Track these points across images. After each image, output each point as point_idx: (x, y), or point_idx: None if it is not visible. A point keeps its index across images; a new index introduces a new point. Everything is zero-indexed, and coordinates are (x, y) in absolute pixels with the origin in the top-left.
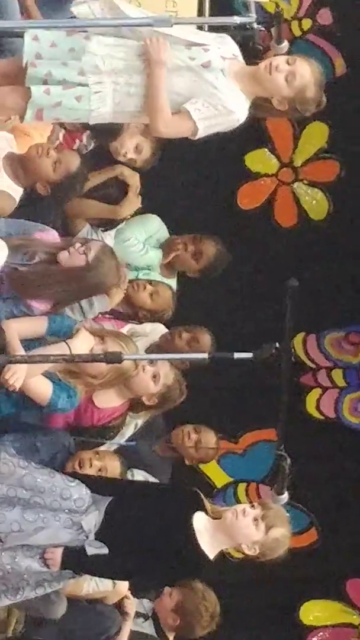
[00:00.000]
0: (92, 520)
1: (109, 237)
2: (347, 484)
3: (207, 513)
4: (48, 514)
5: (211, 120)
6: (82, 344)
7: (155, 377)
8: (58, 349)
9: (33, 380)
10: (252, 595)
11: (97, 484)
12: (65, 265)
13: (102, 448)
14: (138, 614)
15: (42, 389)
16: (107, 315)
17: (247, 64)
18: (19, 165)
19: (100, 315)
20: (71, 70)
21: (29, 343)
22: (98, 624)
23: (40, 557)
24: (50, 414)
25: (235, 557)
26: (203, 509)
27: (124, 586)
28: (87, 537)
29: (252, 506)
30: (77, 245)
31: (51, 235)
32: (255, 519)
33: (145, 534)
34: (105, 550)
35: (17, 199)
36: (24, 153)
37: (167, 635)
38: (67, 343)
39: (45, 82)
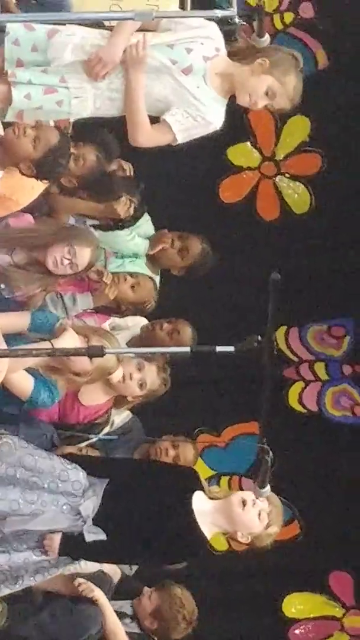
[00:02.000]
0: (90, 506)
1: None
2: (329, 477)
3: (204, 493)
4: (47, 497)
5: (190, 131)
6: (67, 344)
7: (142, 385)
8: (43, 347)
9: (15, 375)
10: (234, 587)
11: (93, 465)
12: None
13: (85, 443)
14: (125, 615)
15: (23, 383)
16: (89, 310)
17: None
18: (0, 148)
19: (83, 311)
20: (52, 77)
21: (11, 339)
22: (79, 624)
23: (37, 546)
24: (33, 413)
25: (218, 550)
26: (201, 488)
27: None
28: (84, 522)
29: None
30: (66, 250)
31: (25, 220)
32: (261, 512)
33: (143, 514)
34: (103, 536)
35: None
36: (1, 136)
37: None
38: (51, 343)
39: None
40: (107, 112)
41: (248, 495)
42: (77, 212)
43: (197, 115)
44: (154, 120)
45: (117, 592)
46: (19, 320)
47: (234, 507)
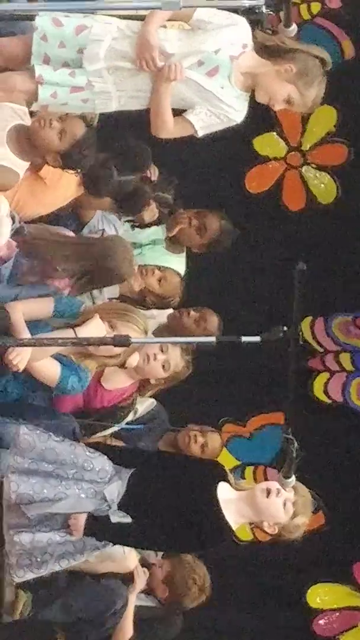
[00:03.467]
0: (115, 490)
1: (120, 224)
2: (354, 467)
3: (230, 485)
4: (70, 482)
5: (212, 127)
6: (91, 332)
7: (164, 365)
8: (66, 335)
9: (40, 363)
10: (259, 578)
11: (119, 455)
12: None
13: (109, 431)
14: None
15: (49, 370)
16: (115, 300)
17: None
18: (26, 139)
19: (107, 299)
20: (79, 79)
21: (36, 324)
22: (103, 599)
23: (62, 528)
24: (59, 400)
25: (242, 540)
26: (227, 480)
27: (131, 560)
28: (109, 507)
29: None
30: (95, 236)
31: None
32: (286, 502)
33: (168, 503)
34: (128, 520)
35: (21, 174)
36: (28, 127)
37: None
38: (74, 331)
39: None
40: (132, 107)
41: (273, 484)
42: (103, 208)
43: (220, 113)
44: (176, 113)
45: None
46: (43, 307)
47: (258, 496)
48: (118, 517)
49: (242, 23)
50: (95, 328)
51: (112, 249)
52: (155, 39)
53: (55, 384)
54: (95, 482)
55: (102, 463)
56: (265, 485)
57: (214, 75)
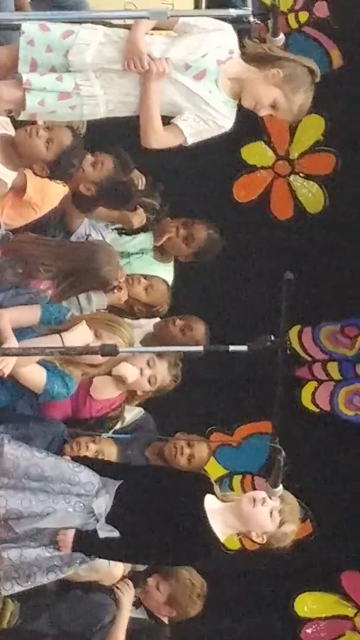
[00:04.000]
0: (103, 504)
1: (107, 232)
2: (342, 477)
3: (217, 496)
4: (59, 496)
5: (201, 134)
6: (77, 338)
7: (150, 380)
8: (52, 341)
9: (26, 369)
10: (247, 586)
11: (106, 468)
12: None
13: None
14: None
15: (35, 376)
16: (103, 311)
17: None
18: (12, 149)
19: (95, 309)
20: (66, 84)
21: (23, 330)
22: (91, 613)
23: (50, 543)
24: (47, 408)
25: (230, 549)
26: (213, 492)
27: (118, 569)
28: (97, 520)
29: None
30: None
31: None
32: (272, 510)
33: (155, 515)
34: (116, 533)
35: (9, 183)
36: (14, 136)
37: (162, 619)
38: (61, 336)
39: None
40: (120, 114)
41: (258, 494)
42: (90, 216)
43: (209, 119)
44: (165, 120)
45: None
46: (29, 314)
47: (245, 506)
48: (106, 532)
49: (229, 29)
50: (81, 334)
51: (95, 251)
52: (143, 44)
53: (40, 390)
54: (83, 495)
55: (88, 476)
56: (251, 495)
57: (201, 79)
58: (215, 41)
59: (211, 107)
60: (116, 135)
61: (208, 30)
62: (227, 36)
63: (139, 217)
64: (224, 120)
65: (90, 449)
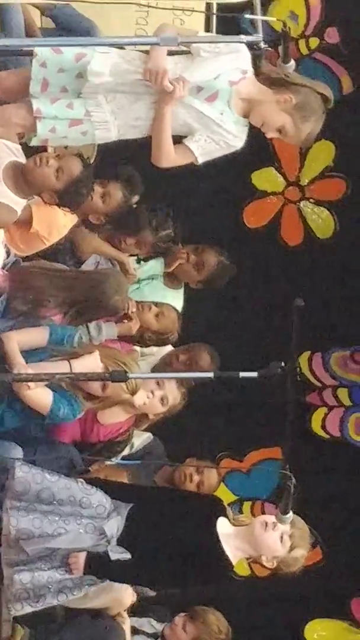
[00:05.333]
0: (114, 525)
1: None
2: (352, 503)
3: (229, 520)
4: (70, 518)
5: (212, 153)
6: (85, 366)
7: (163, 400)
8: (60, 366)
9: (33, 391)
10: (256, 613)
11: (118, 490)
12: None
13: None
14: (146, 634)
15: (42, 398)
16: (114, 340)
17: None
18: (22, 177)
19: (106, 340)
20: (77, 111)
21: (33, 351)
22: (101, 638)
23: (61, 565)
24: (56, 431)
25: (240, 575)
26: (225, 515)
27: (127, 597)
28: (109, 542)
29: None
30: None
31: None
32: (283, 535)
33: (167, 538)
34: (127, 556)
35: (19, 211)
36: (23, 165)
37: None
38: (70, 363)
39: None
40: (131, 137)
41: (270, 518)
42: (100, 253)
43: (220, 140)
44: (176, 139)
45: (136, 611)
46: (37, 336)
47: (256, 530)
48: (117, 554)
49: (243, 50)
50: (91, 363)
51: (104, 281)
52: (163, 62)
53: (47, 412)
54: (94, 517)
55: (99, 499)
56: (262, 519)
57: (213, 101)
58: (229, 62)
59: (223, 128)
60: (127, 156)
61: (221, 53)
62: (241, 57)
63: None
64: (235, 140)
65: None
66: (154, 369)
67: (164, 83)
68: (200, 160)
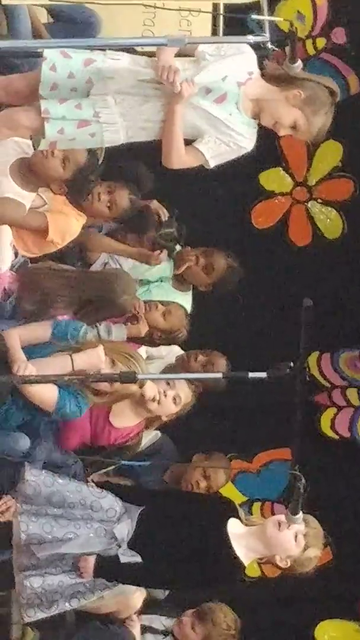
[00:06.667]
0: (125, 529)
1: (127, 263)
2: None
3: (241, 521)
4: (80, 522)
5: (222, 156)
6: (87, 360)
7: (175, 399)
8: (62, 361)
9: (37, 388)
10: (266, 615)
11: (128, 493)
12: None
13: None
14: (156, 631)
15: (47, 395)
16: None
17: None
18: (29, 171)
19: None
20: (85, 111)
21: (37, 346)
22: None
23: (72, 569)
24: (66, 433)
25: (250, 576)
26: (237, 516)
27: (137, 600)
28: (119, 546)
29: None
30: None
31: None
32: (297, 534)
33: (178, 540)
34: (138, 559)
35: (28, 205)
36: (30, 158)
37: None
38: (71, 357)
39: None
40: (140, 139)
41: (283, 517)
42: (111, 252)
43: (230, 141)
44: (187, 142)
45: (145, 608)
46: (40, 331)
47: (270, 530)
48: (128, 557)
49: (248, 51)
50: (91, 357)
51: (113, 281)
52: (173, 61)
53: (53, 408)
54: (105, 521)
55: (110, 502)
56: (276, 519)
57: (221, 102)
58: (234, 64)
59: (232, 129)
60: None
61: (227, 55)
62: (246, 58)
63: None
64: (245, 142)
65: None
66: (169, 369)
67: (176, 79)
68: (212, 163)
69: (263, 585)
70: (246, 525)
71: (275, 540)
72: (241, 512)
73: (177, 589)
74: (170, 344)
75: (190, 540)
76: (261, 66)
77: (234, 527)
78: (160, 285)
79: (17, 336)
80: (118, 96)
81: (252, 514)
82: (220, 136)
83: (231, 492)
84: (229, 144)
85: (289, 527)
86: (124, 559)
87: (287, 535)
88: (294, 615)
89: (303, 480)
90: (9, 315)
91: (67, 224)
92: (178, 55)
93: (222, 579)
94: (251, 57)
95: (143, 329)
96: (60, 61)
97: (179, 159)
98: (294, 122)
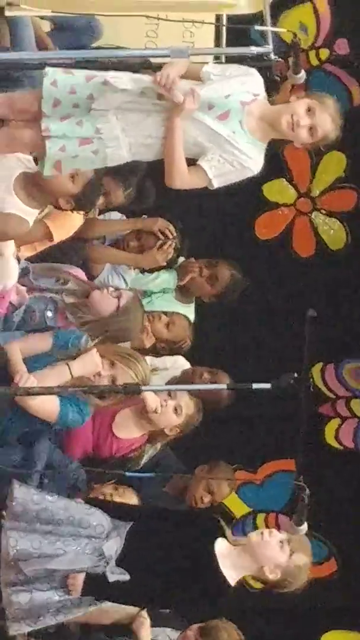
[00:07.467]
0: (113, 546)
1: (129, 275)
2: None
3: (228, 541)
4: (69, 539)
5: (226, 176)
6: (84, 367)
7: (176, 409)
8: (59, 371)
9: (38, 400)
10: (271, 625)
11: (117, 510)
12: (96, 304)
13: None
14: None
15: (48, 407)
16: None
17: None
18: (34, 186)
19: None
20: (86, 129)
21: (38, 357)
22: None
23: (60, 586)
24: (69, 442)
25: (255, 587)
26: (224, 536)
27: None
28: (107, 563)
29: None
30: (111, 289)
31: (79, 273)
32: (281, 542)
33: (165, 559)
34: (126, 577)
35: (31, 222)
36: (35, 173)
37: None
38: (69, 365)
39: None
40: (143, 157)
41: (264, 529)
42: (115, 262)
43: (233, 160)
44: (190, 162)
45: (152, 621)
46: (41, 342)
47: (253, 539)
48: (116, 575)
49: (255, 74)
50: (88, 363)
51: (129, 311)
52: (174, 72)
53: (55, 419)
54: (93, 537)
55: (99, 519)
56: (258, 531)
57: (224, 119)
58: (239, 85)
59: (235, 147)
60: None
61: (233, 75)
62: (253, 80)
63: (163, 254)
64: (249, 162)
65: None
66: (173, 381)
67: (173, 88)
68: (215, 183)
69: (267, 595)
70: (233, 545)
71: (260, 548)
72: (228, 533)
73: (162, 608)
74: (173, 355)
75: (176, 560)
76: (267, 78)
77: (220, 547)
78: (163, 297)
79: (18, 348)
80: (119, 112)
81: (256, 526)
82: (223, 154)
83: (236, 503)
84: (232, 163)
85: (271, 535)
86: (111, 577)
87: (271, 543)
88: (300, 625)
89: (307, 491)
90: (16, 327)
91: (70, 223)
92: (184, 77)
93: (208, 601)
94: (258, 79)
95: (148, 341)
96: (62, 77)
97: (181, 177)
98: (308, 106)
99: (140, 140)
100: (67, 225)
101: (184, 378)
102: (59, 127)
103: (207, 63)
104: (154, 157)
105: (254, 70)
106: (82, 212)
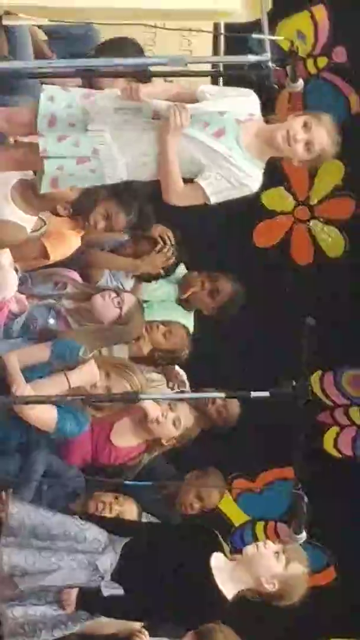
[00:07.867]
0: (108, 561)
1: (127, 282)
2: None
3: (224, 555)
4: (63, 553)
5: (224, 193)
6: (82, 377)
7: (175, 422)
8: (57, 381)
9: (36, 410)
10: (271, 634)
11: (113, 525)
12: (97, 310)
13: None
14: None
15: (45, 416)
16: None
17: (263, 106)
18: (32, 193)
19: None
20: (84, 148)
21: (36, 367)
22: None
23: (54, 601)
24: (67, 451)
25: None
26: (221, 550)
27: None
28: (102, 577)
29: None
30: (113, 295)
31: (75, 276)
32: (277, 552)
33: (161, 574)
34: (120, 591)
35: (29, 229)
36: (32, 180)
37: None
38: (66, 375)
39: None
40: (140, 176)
41: (260, 542)
42: (114, 268)
43: (231, 176)
44: (188, 181)
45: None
46: (39, 352)
47: (249, 552)
48: (110, 590)
49: (252, 95)
50: (86, 374)
51: (131, 319)
52: (143, 91)
53: (52, 429)
54: (89, 552)
55: (94, 533)
56: (254, 543)
57: (220, 137)
58: (235, 104)
59: (232, 164)
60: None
61: (228, 95)
62: (249, 101)
63: (162, 259)
64: (247, 179)
65: (113, 511)
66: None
67: (139, 92)
68: (213, 199)
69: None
70: (230, 559)
71: (255, 560)
72: (225, 547)
73: (158, 623)
74: (171, 364)
75: (172, 575)
76: (265, 86)
77: (217, 561)
78: (162, 305)
79: (16, 358)
80: (114, 132)
81: (255, 534)
82: (220, 171)
83: (234, 512)
84: (229, 180)
85: (267, 546)
86: (106, 592)
87: (267, 553)
88: (300, 632)
89: (306, 500)
90: (18, 335)
91: (67, 246)
92: (182, 100)
93: (204, 615)
94: (254, 100)
95: (145, 347)
96: (59, 93)
97: (177, 194)
98: (304, 122)
99: (137, 159)
100: (64, 245)
101: (197, 405)
102: (57, 149)
103: (201, 70)
104: (151, 176)
105: (250, 92)
106: (79, 231)
